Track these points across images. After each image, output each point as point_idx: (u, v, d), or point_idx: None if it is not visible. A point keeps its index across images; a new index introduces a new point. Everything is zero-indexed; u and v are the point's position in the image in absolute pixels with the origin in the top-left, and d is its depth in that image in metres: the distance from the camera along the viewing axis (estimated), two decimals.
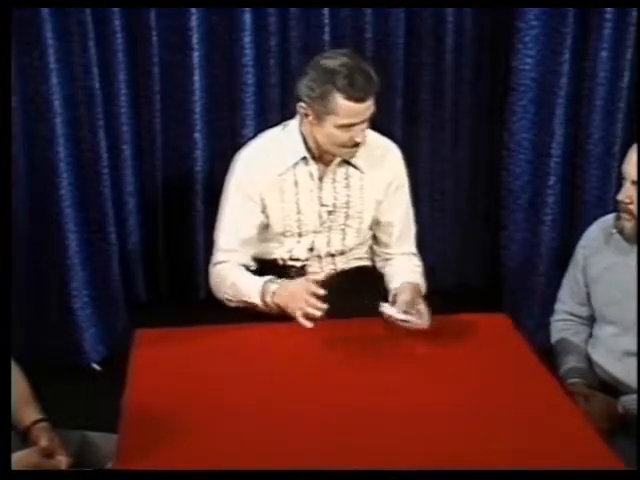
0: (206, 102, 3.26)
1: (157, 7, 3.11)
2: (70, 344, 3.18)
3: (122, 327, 3.24)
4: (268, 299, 2.22)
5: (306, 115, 2.25)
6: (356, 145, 2.24)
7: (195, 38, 3.13)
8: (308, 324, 2.06)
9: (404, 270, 2.40)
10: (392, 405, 1.83)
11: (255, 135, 2.55)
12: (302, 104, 2.24)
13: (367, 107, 2.19)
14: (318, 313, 2.05)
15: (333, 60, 2.19)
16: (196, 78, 3.19)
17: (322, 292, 2.08)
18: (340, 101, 2.16)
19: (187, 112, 3.25)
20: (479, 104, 3.49)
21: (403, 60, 3.33)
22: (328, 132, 2.23)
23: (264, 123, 3.09)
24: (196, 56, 3.16)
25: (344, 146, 2.25)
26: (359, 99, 2.16)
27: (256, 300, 2.25)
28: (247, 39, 3.15)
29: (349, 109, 2.17)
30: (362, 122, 2.21)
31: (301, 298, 2.08)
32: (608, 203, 3.08)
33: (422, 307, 2.13)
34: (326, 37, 3.19)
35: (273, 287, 2.22)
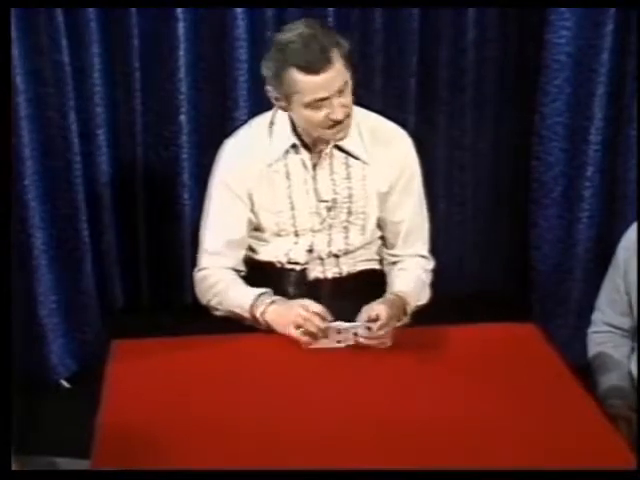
0: (193, 80, 3.27)
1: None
2: (34, 357, 3.17)
3: (95, 337, 3.24)
4: (258, 314, 2.25)
5: (276, 99, 2.26)
6: (337, 123, 2.24)
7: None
8: (304, 339, 2.14)
9: (406, 276, 2.41)
10: (406, 419, 1.86)
11: (248, 119, 2.56)
12: (268, 87, 2.26)
13: (332, 78, 2.18)
14: (314, 329, 2.13)
15: (288, 32, 2.21)
16: (181, 53, 3.19)
17: (320, 309, 2.16)
18: (296, 76, 2.17)
19: (171, 92, 3.25)
20: (505, 84, 3.49)
21: (418, 34, 3.33)
22: (300, 113, 2.25)
23: (258, 105, 3.06)
24: (181, 27, 3.16)
25: (324, 127, 2.25)
26: (315, 70, 2.16)
27: (245, 313, 2.28)
28: (240, 9, 3.15)
29: (309, 83, 2.17)
30: (335, 95, 2.20)
31: (297, 313, 2.15)
32: None
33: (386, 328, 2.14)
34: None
35: (267, 301, 2.25)
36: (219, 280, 2.37)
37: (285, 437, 1.82)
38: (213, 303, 2.37)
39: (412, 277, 2.40)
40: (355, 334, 2.14)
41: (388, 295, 2.30)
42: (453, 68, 3.44)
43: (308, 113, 2.23)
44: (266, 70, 2.24)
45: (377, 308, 2.16)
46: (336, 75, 2.18)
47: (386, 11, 3.29)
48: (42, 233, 3.11)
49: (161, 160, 3.37)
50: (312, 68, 2.15)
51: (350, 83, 2.24)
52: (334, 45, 2.18)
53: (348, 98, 2.24)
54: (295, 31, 2.19)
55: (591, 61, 3.15)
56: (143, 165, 3.38)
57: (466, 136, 3.55)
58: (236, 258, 2.41)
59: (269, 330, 2.23)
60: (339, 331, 2.15)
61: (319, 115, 2.22)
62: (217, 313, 2.38)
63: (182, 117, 3.27)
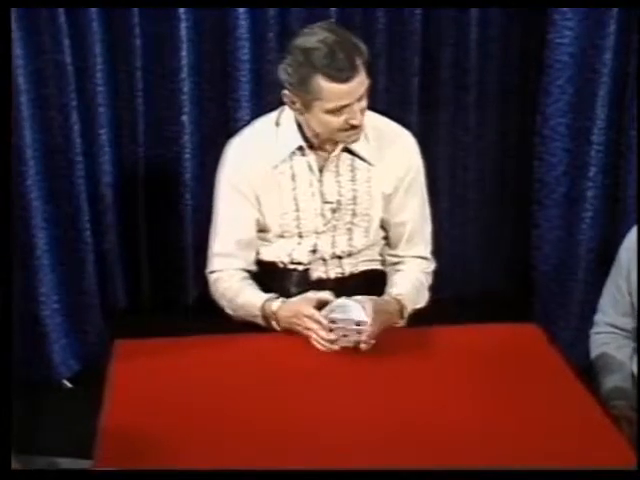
0: (195, 80, 3.27)
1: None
2: (37, 357, 3.18)
3: (98, 337, 3.24)
4: (273, 322, 2.26)
5: (292, 103, 2.26)
6: (354, 127, 2.25)
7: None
8: (322, 348, 2.14)
9: (405, 278, 2.41)
10: (406, 419, 1.87)
11: (251, 119, 2.55)
12: (285, 92, 2.25)
13: (357, 85, 2.18)
14: (326, 345, 2.12)
15: (310, 37, 2.19)
16: (183, 53, 3.19)
17: (319, 316, 2.13)
18: (323, 84, 2.16)
19: (173, 92, 3.25)
20: (508, 84, 3.49)
21: (420, 33, 3.33)
22: (319, 119, 2.24)
23: (261, 105, 3.09)
24: (183, 27, 3.16)
25: (341, 130, 2.25)
26: (344, 79, 2.15)
27: (260, 322, 2.29)
28: (242, 9, 3.15)
29: (334, 91, 2.16)
30: (356, 101, 2.20)
31: (303, 321, 2.16)
32: None
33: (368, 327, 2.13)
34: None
35: (274, 308, 2.26)
36: (229, 286, 2.38)
37: (285, 437, 1.82)
38: (229, 311, 2.39)
39: (411, 279, 2.41)
40: (358, 324, 2.11)
41: (385, 297, 2.31)
42: (456, 68, 3.43)
43: (328, 118, 2.22)
44: (287, 75, 2.21)
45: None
46: (360, 83, 2.18)
47: (389, 11, 3.28)
48: (44, 233, 3.11)
49: (163, 160, 3.37)
50: (340, 77, 2.14)
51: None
52: (358, 52, 2.17)
53: (366, 102, 2.25)
54: (317, 36, 2.17)
55: (594, 61, 3.13)
56: (145, 165, 3.38)
57: (469, 136, 3.55)
58: (246, 259, 2.41)
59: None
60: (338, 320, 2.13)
61: (339, 120, 2.22)
62: (236, 319, 2.39)
63: (184, 117, 3.27)
